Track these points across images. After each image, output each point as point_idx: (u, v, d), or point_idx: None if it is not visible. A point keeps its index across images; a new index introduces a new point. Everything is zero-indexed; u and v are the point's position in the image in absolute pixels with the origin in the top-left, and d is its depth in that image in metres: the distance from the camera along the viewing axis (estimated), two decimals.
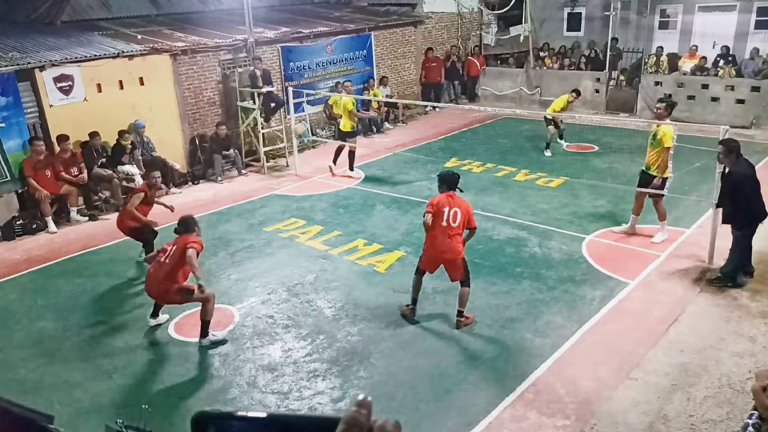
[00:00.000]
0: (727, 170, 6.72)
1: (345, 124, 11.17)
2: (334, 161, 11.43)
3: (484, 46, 18.65)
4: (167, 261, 6.05)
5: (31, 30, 11.65)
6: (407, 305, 6.52)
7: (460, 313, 6.25)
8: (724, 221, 6.92)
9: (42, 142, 9.49)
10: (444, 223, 5.97)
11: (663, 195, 7.95)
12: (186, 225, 6.25)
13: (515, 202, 9.78)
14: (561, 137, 12.75)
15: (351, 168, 11.48)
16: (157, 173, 8.13)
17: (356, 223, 9.21)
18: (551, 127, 12.25)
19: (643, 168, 8.05)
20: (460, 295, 6.23)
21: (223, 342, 6.20)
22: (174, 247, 6.11)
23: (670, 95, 14.28)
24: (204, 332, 6.15)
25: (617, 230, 8.45)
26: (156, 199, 8.20)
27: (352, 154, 11.39)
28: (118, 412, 4.76)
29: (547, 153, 12.22)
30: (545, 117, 12.21)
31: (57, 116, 9.86)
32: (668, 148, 7.68)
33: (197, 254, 6.02)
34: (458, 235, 6.06)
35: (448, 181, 6.16)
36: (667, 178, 7.83)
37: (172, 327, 6.55)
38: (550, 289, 6.96)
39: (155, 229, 7.88)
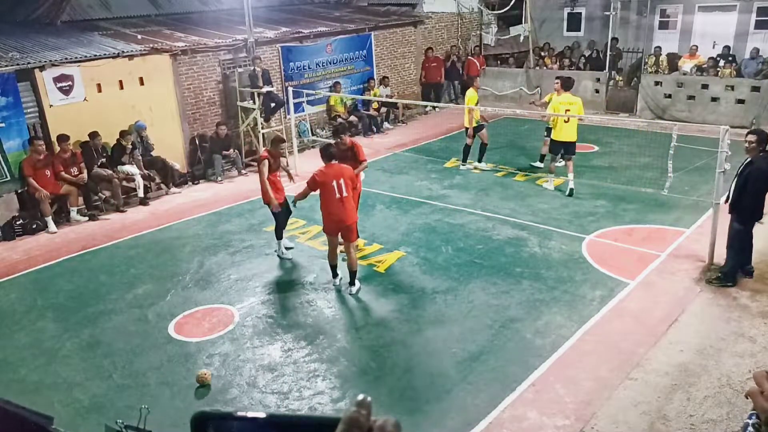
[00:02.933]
0: (747, 160, 6.69)
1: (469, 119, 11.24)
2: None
3: (484, 46, 18.65)
4: (345, 195, 6.75)
5: (31, 30, 11.65)
6: None
7: None
8: (730, 210, 6.86)
9: (42, 141, 9.49)
10: None
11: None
12: (328, 155, 6.91)
13: (515, 202, 9.77)
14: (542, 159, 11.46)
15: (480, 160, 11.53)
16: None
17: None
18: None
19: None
20: None
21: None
22: (341, 181, 6.73)
23: (669, 95, 14.36)
24: (352, 281, 7.10)
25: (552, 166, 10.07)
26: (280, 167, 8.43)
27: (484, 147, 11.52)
28: (118, 413, 4.76)
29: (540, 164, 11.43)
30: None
31: (57, 116, 9.86)
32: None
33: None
34: None
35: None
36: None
37: (172, 327, 6.55)
38: (550, 289, 6.96)
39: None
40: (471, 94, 11.39)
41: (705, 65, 14.58)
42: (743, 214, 6.74)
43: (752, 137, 6.64)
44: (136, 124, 10.74)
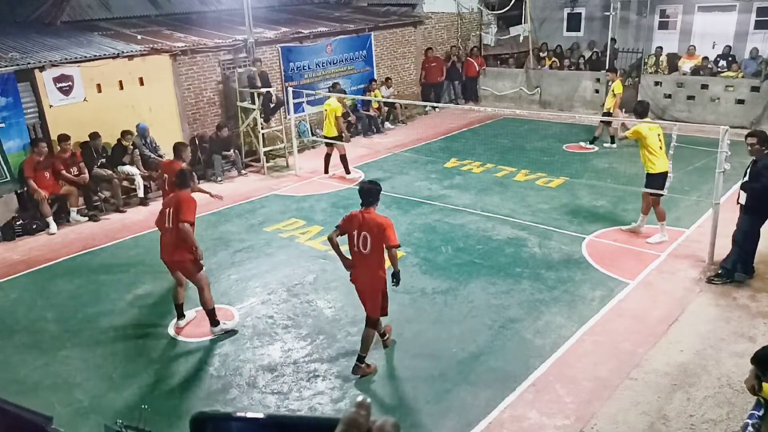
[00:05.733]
0: (752, 160, 6.72)
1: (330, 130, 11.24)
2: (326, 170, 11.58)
3: (484, 47, 18.65)
4: (171, 225, 5.97)
5: (31, 30, 11.66)
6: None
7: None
8: (738, 201, 6.89)
9: (45, 143, 9.49)
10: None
11: (660, 194, 7.93)
12: (182, 178, 6.14)
13: (515, 202, 9.77)
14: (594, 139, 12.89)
15: (347, 171, 11.47)
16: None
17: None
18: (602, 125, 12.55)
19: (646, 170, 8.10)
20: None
21: (234, 332, 6.31)
22: (171, 209, 5.97)
23: (669, 95, 14.36)
24: (213, 321, 6.25)
25: (625, 228, 8.47)
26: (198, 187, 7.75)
27: (344, 158, 11.36)
28: (118, 413, 4.76)
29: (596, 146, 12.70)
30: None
31: (57, 117, 9.86)
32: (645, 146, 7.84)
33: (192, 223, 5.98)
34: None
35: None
36: (666, 174, 7.82)
37: (172, 327, 6.55)
38: (550, 289, 6.96)
39: None
40: (617, 84, 12.42)
41: (703, 65, 14.59)
42: (750, 211, 6.77)
43: (752, 139, 6.69)
44: (139, 126, 10.69)
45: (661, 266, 7.43)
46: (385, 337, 5.92)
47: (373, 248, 5.26)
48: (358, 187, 5.54)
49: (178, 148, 7.59)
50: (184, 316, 6.53)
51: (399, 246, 5.39)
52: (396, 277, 5.43)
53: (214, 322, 6.26)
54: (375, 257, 5.31)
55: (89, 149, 10.12)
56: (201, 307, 6.38)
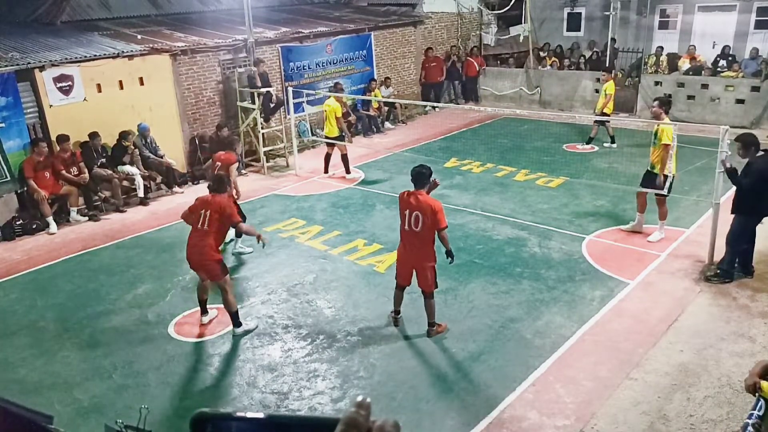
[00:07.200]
0: (747, 162, 6.78)
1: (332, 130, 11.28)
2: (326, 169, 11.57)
3: (484, 46, 18.65)
4: (207, 227, 6.02)
5: (31, 30, 11.65)
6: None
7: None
8: (732, 210, 6.91)
9: (45, 144, 9.48)
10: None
11: (665, 195, 7.93)
12: (221, 183, 6.30)
13: (515, 202, 9.77)
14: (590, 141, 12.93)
15: (348, 171, 11.49)
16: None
17: (356, 223, 9.21)
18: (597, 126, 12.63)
19: (648, 167, 8.08)
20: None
21: (255, 328, 6.41)
22: (208, 212, 6.03)
23: (670, 95, 14.36)
24: (235, 322, 6.29)
25: (625, 228, 8.46)
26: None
27: (345, 157, 11.39)
28: (118, 413, 4.76)
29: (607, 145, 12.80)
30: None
31: (57, 116, 9.85)
32: (667, 146, 7.68)
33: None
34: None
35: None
36: (667, 176, 7.83)
37: (172, 327, 6.55)
38: (550, 289, 6.96)
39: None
40: (609, 85, 12.46)
41: (692, 65, 14.61)
42: (738, 211, 6.80)
43: (737, 144, 6.80)
44: (140, 126, 10.70)
45: (661, 266, 7.43)
46: (434, 328, 6.17)
47: (424, 228, 5.76)
48: (411, 171, 5.96)
49: (231, 141, 8.65)
50: (207, 312, 6.57)
51: (447, 227, 5.84)
52: (450, 255, 5.93)
53: (237, 324, 6.30)
54: (426, 235, 5.82)
55: (89, 149, 10.12)
56: (199, 308, 6.41)
